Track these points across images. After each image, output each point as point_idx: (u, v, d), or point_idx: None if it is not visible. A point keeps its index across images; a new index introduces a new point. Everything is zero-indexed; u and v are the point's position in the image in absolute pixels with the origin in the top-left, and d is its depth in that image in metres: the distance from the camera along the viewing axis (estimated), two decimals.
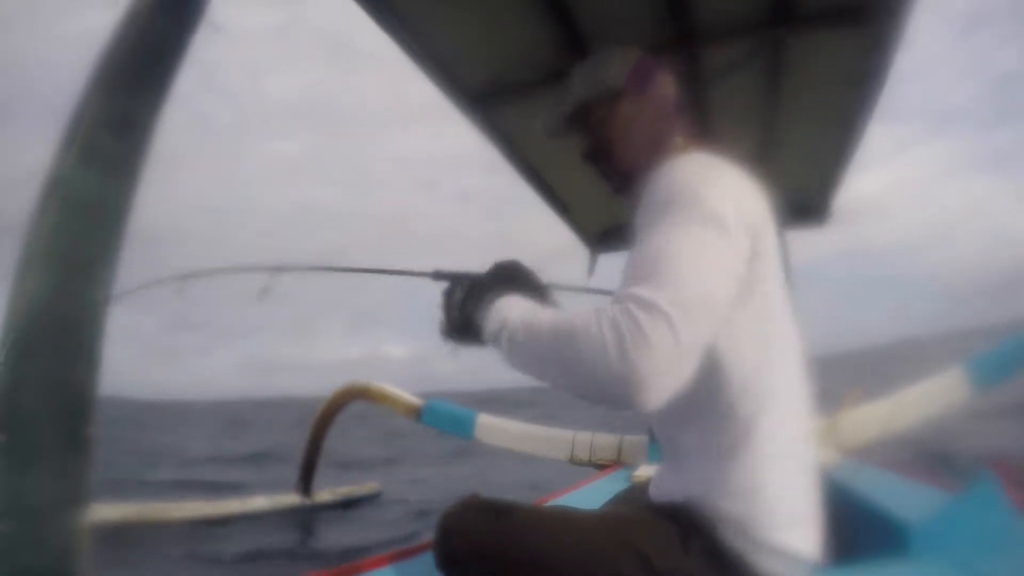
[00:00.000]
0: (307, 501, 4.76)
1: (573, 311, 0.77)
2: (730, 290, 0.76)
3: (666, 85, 1.03)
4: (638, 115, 1.00)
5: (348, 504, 5.19)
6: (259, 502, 4.64)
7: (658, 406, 0.68)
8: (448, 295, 0.97)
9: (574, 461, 3.47)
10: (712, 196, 0.78)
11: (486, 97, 1.97)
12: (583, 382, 0.72)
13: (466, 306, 0.91)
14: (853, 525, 1.68)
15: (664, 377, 0.66)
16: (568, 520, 0.91)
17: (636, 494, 1.13)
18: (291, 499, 4.75)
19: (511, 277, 0.94)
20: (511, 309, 0.85)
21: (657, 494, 0.95)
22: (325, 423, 4.60)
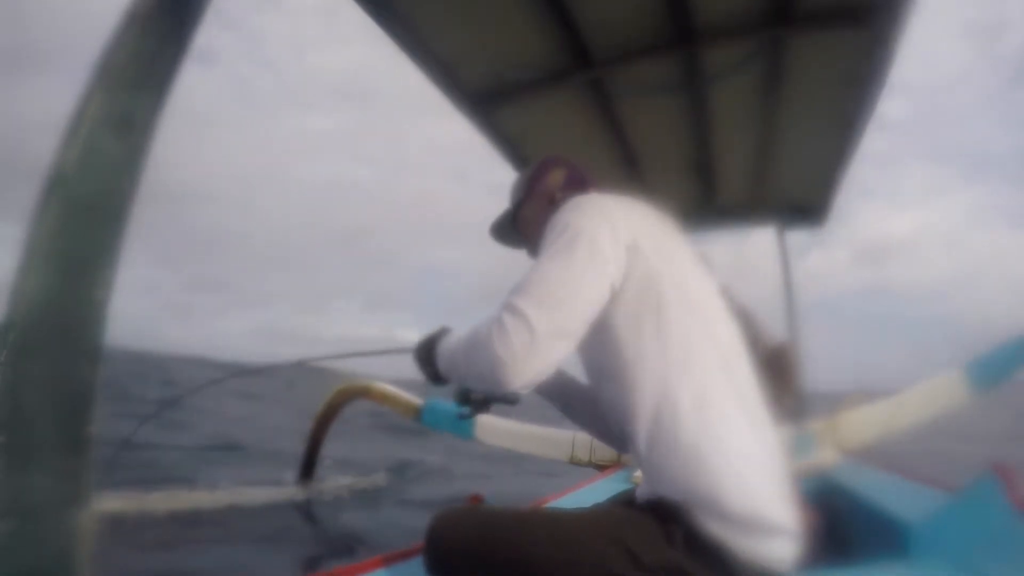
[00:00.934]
0: (307, 495, 4.76)
1: (471, 328, 0.96)
2: (592, 294, 0.90)
3: (552, 179, 1.23)
4: (536, 211, 1.21)
5: (350, 497, 5.19)
6: (258, 494, 4.64)
7: (525, 385, 0.86)
8: (416, 354, 1.16)
9: (574, 461, 3.47)
10: (577, 222, 0.93)
11: (486, 97, 1.97)
12: (475, 375, 0.92)
13: (426, 357, 1.12)
14: (853, 525, 1.69)
15: (524, 361, 0.84)
16: (555, 520, 0.93)
17: (632, 495, 1.14)
18: (291, 492, 4.75)
19: (442, 330, 1.15)
20: (444, 343, 1.07)
21: (639, 493, 0.97)
22: (326, 421, 4.60)
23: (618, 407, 0.94)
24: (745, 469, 0.86)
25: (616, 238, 0.92)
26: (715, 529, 0.83)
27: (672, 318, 0.91)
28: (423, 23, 1.63)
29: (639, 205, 1.04)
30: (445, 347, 1.06)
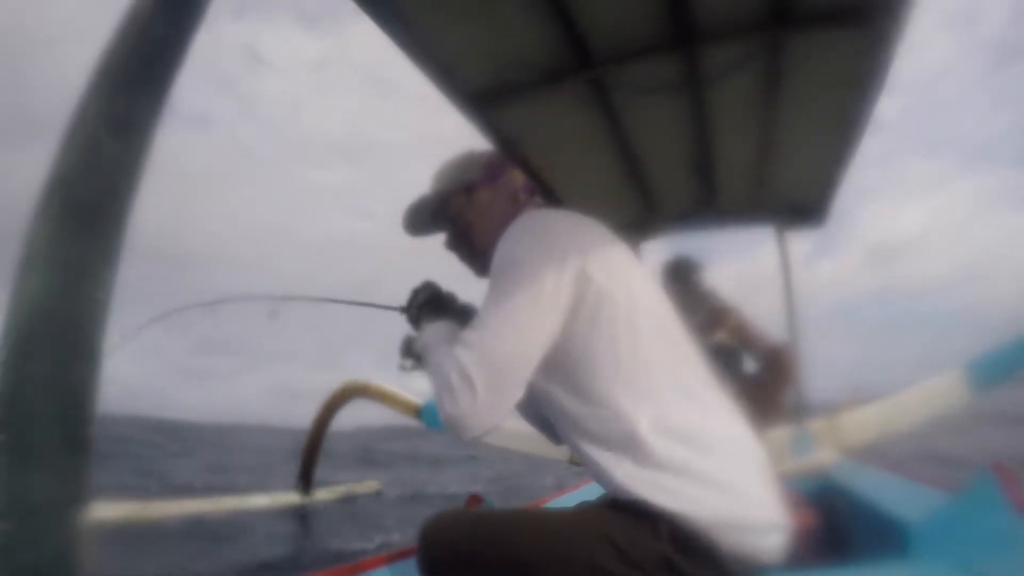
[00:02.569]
0: (306, 499, 4.75)
1: (442, 353, 0.99)
2: (538, 343, 0.91)
3: (515, 175, 1.23)
4: (492, 201, 1.18)
5: (347, 501, 5.18)
6: (259, 500, 4.63)
7: (473, 437, 0.91)
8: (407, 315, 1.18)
9: (573, 461, 3.47)
10: (522, 257, 0.94)
11: (486, 97, 1.97)
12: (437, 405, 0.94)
13: (414, 321, 1.15)
14: (853, 525, 1.69)
15: (468, 419, 0.89)
16: (543, 519, 0.95)
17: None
18: (291, 497, 4.74)
19: (429, 299, 1.16)
20: (425, 336, 1.09)
21: (615, 492, 0.98)
22: (325, 421, 4.60)
23: (578, 425, 0.96)
24: (726, 472, 0.88)
25: (562, 270, 0.93)
26: (700, 526, 0.84)
27: (623, 335, 0.93)
28: (422, 22, 1.63)
29: (587, 223, 1.05)
30: (429, 341, 1.08)
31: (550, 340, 0.92)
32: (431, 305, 1.15)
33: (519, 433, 3.81)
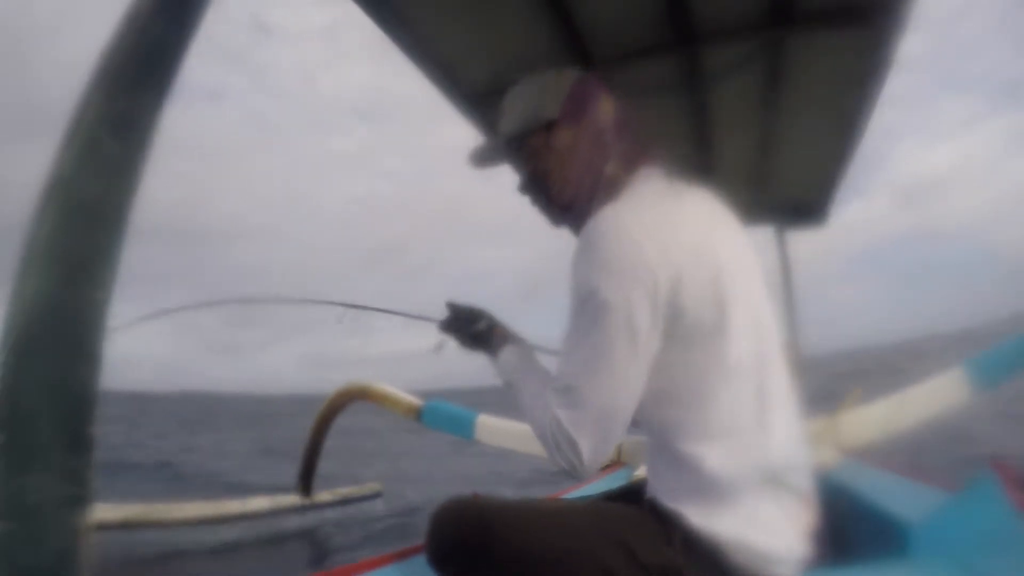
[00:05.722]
0: (307, 501, 4.74)
1: (532, 394, 0.97)
2: (638, 389, 0.85)
3: (604, 109, 1.00)
4: (574, 144, 0.98)
5: (348, 504, 5.17)
6: (259, 503, 4.62)
7: (596, 470, 0.87)
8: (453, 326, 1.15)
9: None
10: (614, 298, 0.81)
11: (486, 97, 1.97)
12: (545, 449, 0.92)
13: (473, 341, 1.11)
14: (853, 525, 1.68)
15: (591, 461, 0.85)
16: (555, 514, 0.93)
17: (633, 489, 1.14)
18: (291, 500, 4.73)
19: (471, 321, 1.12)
20: (506, 366, 1.04)
21: (648, 492, 0.97)
22: (325, 424, 4.59)
23: (644, 412, 0.91)
24: (768, 502, 0.85)
25: (656, 305, 0.81)
26: (718, 542, 0.82)
27: (711, 368, 0.86)
28: (422, 23, 1.63)
29: (689, 208, 0.95)
30: (510, 371, 1.03)
31: (647, 368, 0.85)
32: (491, 331, 1.09)
33: (519, 432, 3.81)
